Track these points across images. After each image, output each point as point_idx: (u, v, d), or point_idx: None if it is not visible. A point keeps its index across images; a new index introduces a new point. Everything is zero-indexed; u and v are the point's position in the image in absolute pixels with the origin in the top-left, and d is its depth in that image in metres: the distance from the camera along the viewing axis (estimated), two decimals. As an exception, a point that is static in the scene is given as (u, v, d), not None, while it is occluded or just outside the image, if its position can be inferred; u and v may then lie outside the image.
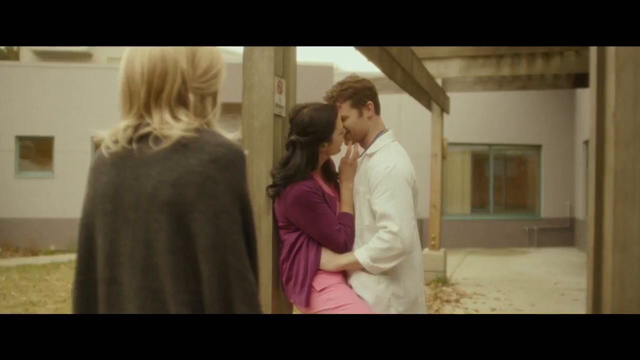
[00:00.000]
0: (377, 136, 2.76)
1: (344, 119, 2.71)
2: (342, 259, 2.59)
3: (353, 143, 2.81)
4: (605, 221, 1.17)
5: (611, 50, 1.15)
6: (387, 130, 2.79)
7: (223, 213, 1.26)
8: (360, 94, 2.73)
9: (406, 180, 2.55)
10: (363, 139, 2.79)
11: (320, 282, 2.58)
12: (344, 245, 2.59)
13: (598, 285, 1.22)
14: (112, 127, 1.38)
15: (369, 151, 2.72)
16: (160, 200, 1.27)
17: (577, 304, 7.53)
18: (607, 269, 1.15)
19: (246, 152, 1.35)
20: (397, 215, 2.47)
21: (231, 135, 1.37)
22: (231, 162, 1.29)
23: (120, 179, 1.34)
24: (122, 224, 1.33)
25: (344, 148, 2.84)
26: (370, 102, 2.75)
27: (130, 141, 1.34)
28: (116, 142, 1.35)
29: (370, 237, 2.58)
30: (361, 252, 2.55)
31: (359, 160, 2.79)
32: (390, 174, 2.53)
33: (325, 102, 2.73)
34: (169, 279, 1.27)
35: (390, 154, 2.64)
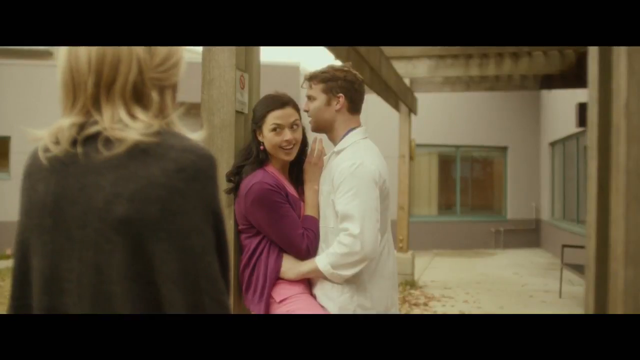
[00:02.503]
0: (347, 133, 2.53)
1: (312, 99, 2.50)
2: (303, 267, 2.38)
3: (318, 131, 2.59)
4: (614, 229, 1.02)
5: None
6: (358, 127, 2.57)
7: (194, 232, 1.05)
8: (335, 82, 2.50)
9: (373, 180, 2.33)
10: (331, 135, 2.57)
11: (280, 292, 2.37)
12: (306, 250, 2.38)
13: (602, 303, 1.06)
14: (52, 125, 1.13)
15: (336, 148, 2.51)
16: (115, 218, 1.04)
17: (545, 306, 7.49)
18: (617, 286, 1.00)
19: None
20: (359, 217, 2.26)
21: (196, 135, 1.15)
22: (201, 170, 1.07)
23: (61, 189, 1.10)
24: (65, 243, 1.10)
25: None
26: (341, 95, 2.50)
27: (73, 142, 1.09)
28: (57, 143, 1.10)
29: (333, 239, 2.36)
30: (321, 259, 2.34)
31: (326, 158, 2.57)
32: (355, 173, 2.32)
33: (285, 95, 2.51)
34: (128, 310, 1.06)
35: (357, 151, 2.42)
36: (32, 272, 1.17)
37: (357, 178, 2.32)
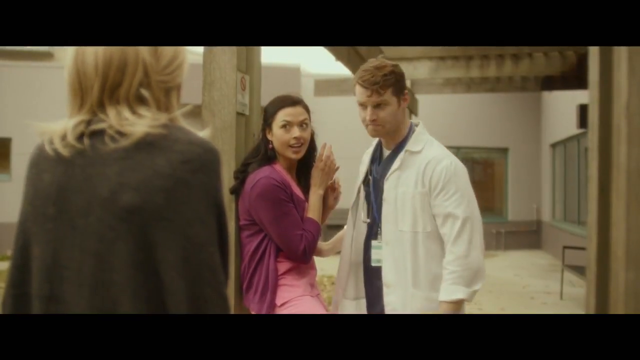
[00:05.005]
0: (410, 128, 2.44)
1: (383, 105, 2.31)
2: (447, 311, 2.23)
3: (388, 135, 2.41)
4: (614, 230, 1.01)
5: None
6: (418, 123, 2.48)
7: (197, 222, 1.07)
8: (401, 81, 2.37)
9: (468, 178, 2.32)
10: (395, 134, 2.42)
11: (281, 295, 2.37)
12: (303, 252, 2.35)
13: (603, 304, 1.06)
14: (61, 121, 1.15)
15: (412, 148, 2.37)
16: (120, 206, 1.06)
17: (546, 307, 7.49)
18: (618, 287, 1.00)
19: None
20: (470, 220, 2.23)
21: (202, 133, 1.17)
22: (206, 163, 1.10)
23: (66, 179, 1.12)
24: (67, 231, 1.11)
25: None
26: (406, 92, 2.41)
27: (80, 136, 1.12)
28: (64, 137, 1.12)
29: (432, 245, 2.28)
30: (455, 290, 2.20)
31: (401, 156, 2.37)
32: (456, 172, 2.27)
33: (297, 95, 2.51)
34: (128, 298, 1.07)
35: (440, 148, 2.37)
36: (32, 260, 1.18)
37: (460, 178, 2.28)
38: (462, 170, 2.31)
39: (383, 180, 2.41)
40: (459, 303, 2.23)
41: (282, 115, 2.41)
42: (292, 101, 2.45)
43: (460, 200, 2.23)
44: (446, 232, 2.25)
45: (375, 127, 2.36)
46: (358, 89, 2.36)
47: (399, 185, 2.35)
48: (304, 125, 2.45)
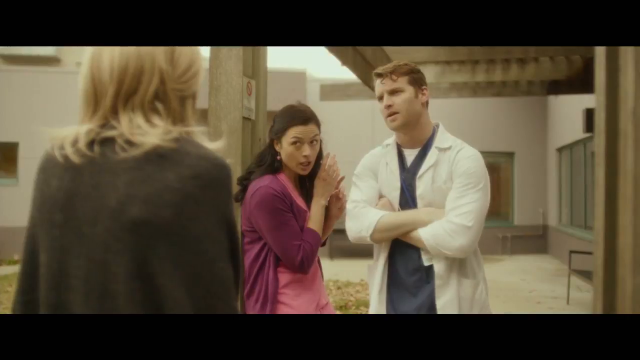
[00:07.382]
0: (434, 130, 2.49)
1: (397, 92, 2.34)
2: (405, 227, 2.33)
3: (405, 127, 2.41)
4: (621, 235, 1.01)
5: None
6: (438, 123, 2.54)
7: (206, 238, 1.07)
8: (417, 74, 2.41)
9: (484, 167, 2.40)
10: (415, 131, 2.44)
11: (280, 312, 2.35)
12: (300, 263, 2.33)
13: (610, 309, 1.06)
14: (73, 128, 1.14)
15: (441, 145, 2.42)
16: (127, 218, 1.05)
17: (552, 312, 7.45)
18: (625, 292, 0.99)
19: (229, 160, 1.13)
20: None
21: (216, 144, 1.16)
22: (216, 178, 1.09)
23: (75, 186, 1.11)
24: (74, 239, 1.10)
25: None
26: (425, 87, 2.44)
27: (91, 143, 1.11)
28: (75, 143, 1.11)
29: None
30: (429, 236, 2.28)
31: (434, 152, 2.41)
32: (477, 162, 2.36)
33: (308, 109, 2.45)
34: (133, 310, 1.06)
35: (466, 144, 2.45)
36: (39, 266, 1.17)
37: (479, 168, 2.35)
38: (481, 161, 2.37)
39: (415, 178, 2.41)
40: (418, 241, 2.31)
41: (293, 132, 2.36)
42: (304, 118, 2.39)
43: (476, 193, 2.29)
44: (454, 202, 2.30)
45: (393, 116, 2.37)
46: (375, 83, 2.41)
47: (434, 182, 2.37)
48: (314, 142, 2.42)
